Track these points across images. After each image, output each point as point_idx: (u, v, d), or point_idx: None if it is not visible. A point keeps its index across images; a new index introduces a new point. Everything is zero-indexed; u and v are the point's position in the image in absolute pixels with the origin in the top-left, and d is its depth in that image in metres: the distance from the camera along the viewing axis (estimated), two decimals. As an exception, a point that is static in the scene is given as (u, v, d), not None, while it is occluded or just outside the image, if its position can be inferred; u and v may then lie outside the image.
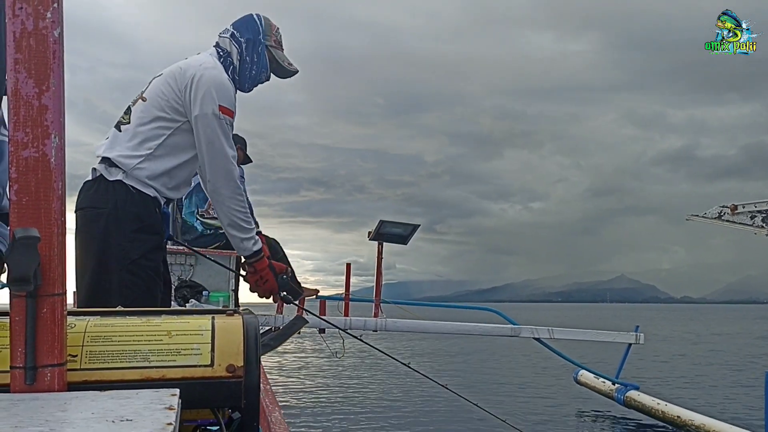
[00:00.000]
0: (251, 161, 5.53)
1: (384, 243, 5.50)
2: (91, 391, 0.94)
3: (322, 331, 5.36)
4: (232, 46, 2.73)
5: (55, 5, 0.95)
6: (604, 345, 5.90)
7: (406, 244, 5.58)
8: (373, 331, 5.31)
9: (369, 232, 5.46)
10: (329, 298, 5.51)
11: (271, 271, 2.76)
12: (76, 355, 1.02)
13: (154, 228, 2.51)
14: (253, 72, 2.77)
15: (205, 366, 1.06)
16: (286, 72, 2.92)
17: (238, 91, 2.78)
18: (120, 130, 2.54)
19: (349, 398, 8.09)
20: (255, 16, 2.81)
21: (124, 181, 2.46)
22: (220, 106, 2.52)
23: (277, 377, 9.51)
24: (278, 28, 2.87)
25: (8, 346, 0.94)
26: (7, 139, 1.19)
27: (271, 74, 2.88)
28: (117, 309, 1.24)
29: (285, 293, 2.88)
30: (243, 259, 2.84)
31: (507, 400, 8.12)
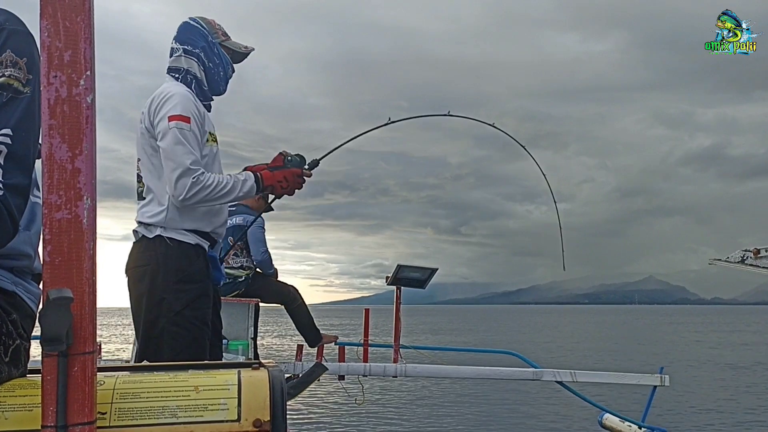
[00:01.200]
0: (272, 209, 5.58)
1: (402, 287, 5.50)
2: (121, 449, 0.95)
3: (341, 377, 5.32)
4: (190, 62, 2.72)
5: (88, 73, 0.99)
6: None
7: (424, 288, 5.57)
8: (393, 377, 5.27)
9: (387, 277, 5.46)
10: (348, 344, 5.49)
11: (277, 173, 2.71)
12: (106, 413, 1.03)
13: (196, 276, 2.54)
14: (221, 73, 2.77)
15: (232, 421, 1.06)
16: (241, 56, 2.90)
17: (214, 95, 2.78)
18: (143, 197, 2.62)
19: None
20: (192, 22, 2.78)
21: (163, 234, 2.52)
22: (170, 116, 2.51)
23: (297, 425, 9.40)
24: (216, 21, 2.84)
25: (39, 405, 0.96)
26: (39, 201, 1.23)
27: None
28: (144, 364, 1.25)
29: (308, 166, 2.83)
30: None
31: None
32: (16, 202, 1.09)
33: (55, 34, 0.97)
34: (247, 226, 5.06)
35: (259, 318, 5.26)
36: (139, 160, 2.65)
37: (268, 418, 1.08)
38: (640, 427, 6.24)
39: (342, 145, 3.45)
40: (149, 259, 2.51)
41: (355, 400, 5.50)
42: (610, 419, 7.01)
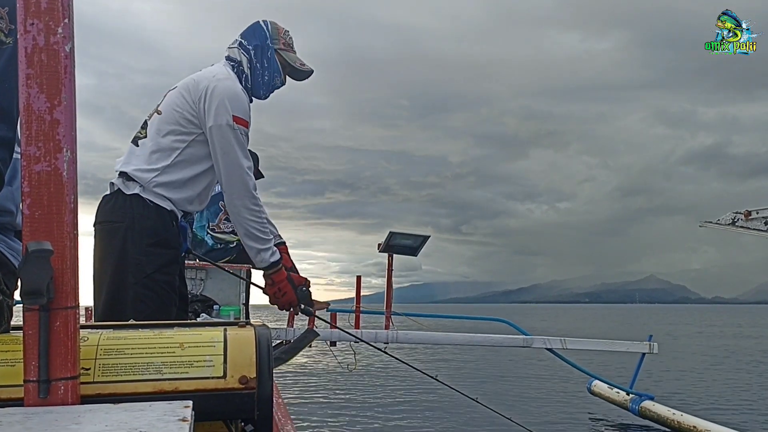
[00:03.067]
0: (263, 177, 5.54)
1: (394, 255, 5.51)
2: (104, 404, 0.93)
3: (333, 344, 5.35)
4: (241, 56, 2.73)
5: (66, 21, 0.95)
6: (619, 354, 5.85)
7: (416, 256, 5.58)
8: (384, 343, 5.30)
9: (379, 244, 5.46)
10: (340, 311, 5.51)
11: (290, 283, 2.74)
12: (89, 368, 1.02)
13: (169, 242, 2.51)
14: (266, 78, 2.76)
15: (218, 378, 1.06)
16: (301, 74, 2.89)
17: (254, 99, 2.79)
18: (137, 145, 2.57)
19: (361, 411, 8.06)
20: (261, 23, 2.80)
21: (141, 194, 2.48)
22: (234, 116, 2.52)
23: (288, 390, 9.50)
24: (287, 31, 2.85)
25: (22, 360, 0.95)
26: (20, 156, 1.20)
27: (287, 78, 2.87)
28: (129, 322, 1.24)
29: (304, 306, 2.85)
30: (263, 271, 2.82)
31: (520, 411, 8.06)
32: (0, 154, 1.06)
33: (31, -20, 0.93)
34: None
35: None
36: (159, 113, 2.59)
37: (254, 375, 1.07)
38: (628, 393, 6.33)
39: None
40: (124, 216, 2.45)
41: (347, 366, 5.53)
42: (598, 385, 7.11)
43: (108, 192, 2.57)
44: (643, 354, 5.71)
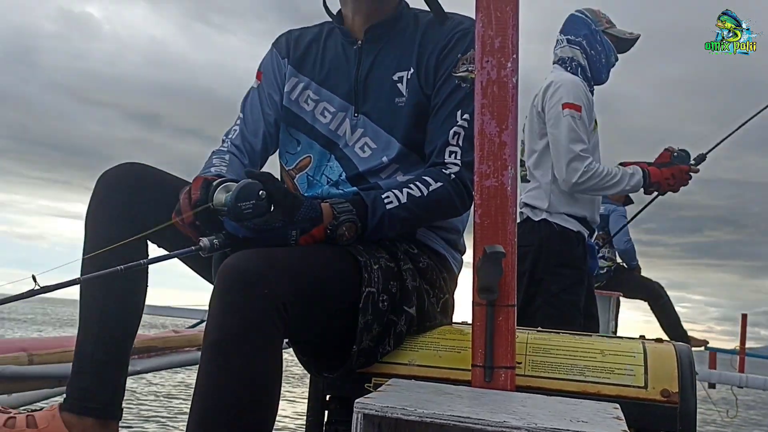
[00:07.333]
0: (632, 202, 5.36)
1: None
2: (538, 395, 1.04)
3: (712, 386, 4.89)
4: (573, 51, 2.76)
5: (514, 56, 1.10)
6: None
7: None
8: (776, 393, 4.66)
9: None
10: (721, 350, 5.02)
11: (665, 169, 2.68)
12: (521, 363, 1.14)
13: (574, 263, 2.63)
14: (603, 60, 2.76)
15: (639, 387, 1.08)
16: (628, 43, 2.85)
17: (595, 85, 2.78)
18: (527, 180, 2.76)
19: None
20: (577, 13, 2.82)
21: (548, 219, 2.66)
22: (563, 104, 2.55)
23: None
24: (601, 10, 2.84)
25: (468, 348, 1.10)
26: None
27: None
28: (548, 329, 1.35)
29: (689, 159, 2.73)
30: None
31: None
32: (470, 176, 1.25)
33: (488, 24, 1.10)
34: (608, 215, 4.97)
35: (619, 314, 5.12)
36: (523, 143, 2.81)
37: (677, 390, 1.07)
38: None
39: (731, 134, 3.18)
40: (532, 240, 2.64)
41: (727, 412, 5.00)
42: None
43: (518, 220, 2.81)
44: None
